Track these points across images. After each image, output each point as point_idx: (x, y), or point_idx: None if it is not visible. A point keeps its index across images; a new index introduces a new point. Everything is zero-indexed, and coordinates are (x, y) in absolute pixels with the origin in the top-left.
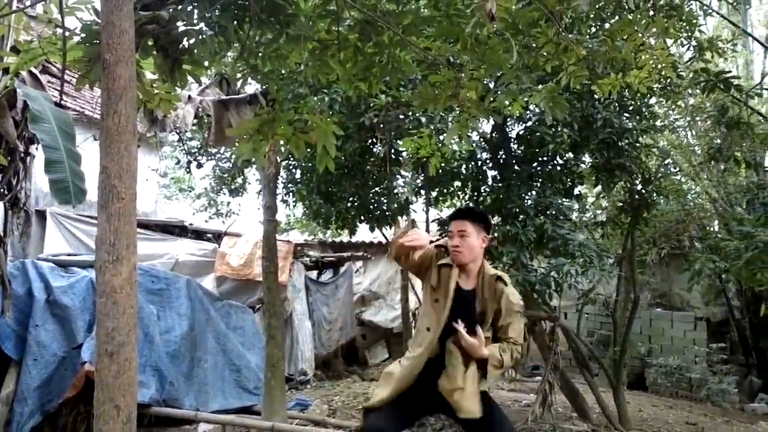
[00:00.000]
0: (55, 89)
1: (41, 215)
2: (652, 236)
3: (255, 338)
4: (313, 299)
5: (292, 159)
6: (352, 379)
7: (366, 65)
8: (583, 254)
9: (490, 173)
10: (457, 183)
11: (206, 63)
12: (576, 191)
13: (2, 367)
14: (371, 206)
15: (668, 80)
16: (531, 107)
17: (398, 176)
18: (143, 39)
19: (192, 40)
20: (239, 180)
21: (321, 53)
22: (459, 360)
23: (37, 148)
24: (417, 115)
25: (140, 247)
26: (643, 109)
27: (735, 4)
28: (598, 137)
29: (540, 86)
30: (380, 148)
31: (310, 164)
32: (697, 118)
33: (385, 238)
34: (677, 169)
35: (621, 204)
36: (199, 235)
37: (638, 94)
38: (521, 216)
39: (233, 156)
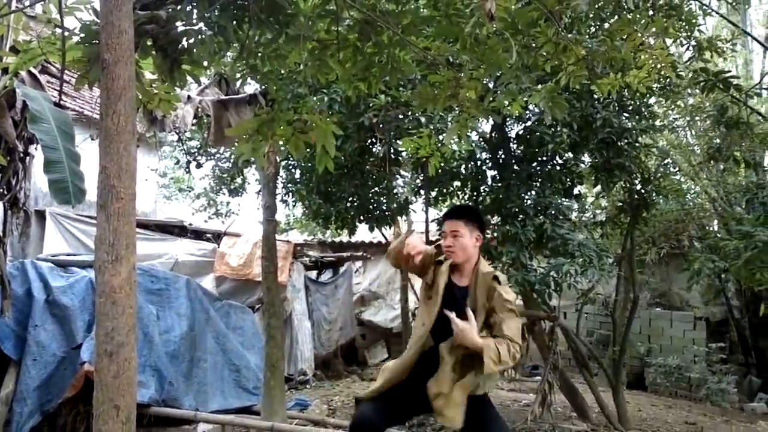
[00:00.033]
0: (55, 89)
1: (41, 215)
2: (651, 236)
3: (254, 338)
4: (312, 299)
5: (291, 159)
6: (351, 379)
7: (365, 65)
8: (582, 254)
9: (490, 173)
10: (457, 183)
11: (205, 63)
12: (575, 191)
13: (2, 367)
14: (371, 206)
15: (667, 80)
16: (530, 107)
17: (398, 176)
18: (142, 39)
19: (191, 40)
20: (239, 180)
21: (320, 53)
22: (449, 366)
23: (36, 148)
24: (416, 114)
25: (139, 247)
26: (643, 109)
27: (734, 3)
28: (598, 137)
29: (539, 86)
30: (380, 148)
31: (309, 164)
32: (697, 118)
33: (385, 238)
34: (677, 168)
35: (620, 204)
36: (198, 235)
37: (638, 94)
38: (521, 216)
39: (232, 156)
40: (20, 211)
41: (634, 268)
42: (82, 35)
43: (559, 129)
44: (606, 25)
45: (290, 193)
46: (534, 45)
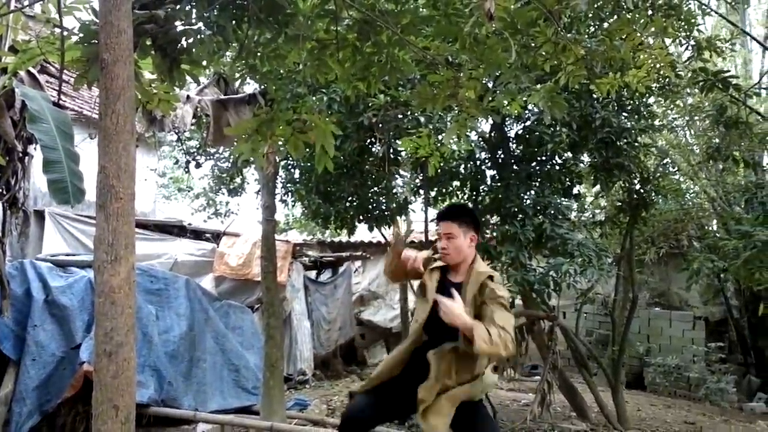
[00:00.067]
0: (54, 89)
1: (40, 215)
2: (650, 235)
3: (254, 338)
4: (311, 299)
5: (290, 159)
6: (351, 378)
7: (365, 65)
8: (581, 254)
9: (489, 173)
10: (456, 182)
11: (205, 63)
12: (575, 191)
13: (1, 367)
14: (370, 206)
15: (667, 80)
16: (529, 107)
17: (397, 176)
18: (141, 39)
19: (190, 40)
20: (238, 180)
21: (319, 53)
22: (436, 373)
23: (35, 148)
24: (416, 114)
25: (139, 247)
26: (642, 109)
27: (733, 3)
28: (597, 137)
29: (538, 86)
30: (379, 148)
31: (308, 164)
32: (696, 118)
33: (384, 237)
34: (676, 168)
35: (619, 203)
36: (197, 235)
37: (637, 94)
38: (520, 215)
39: (232, 156)
40: (19, 211)
41: (633, 267)
42: (81, 35)
43: (558, 129)
44: (605, 25)
45: (289, 193)
46: (533, 45)
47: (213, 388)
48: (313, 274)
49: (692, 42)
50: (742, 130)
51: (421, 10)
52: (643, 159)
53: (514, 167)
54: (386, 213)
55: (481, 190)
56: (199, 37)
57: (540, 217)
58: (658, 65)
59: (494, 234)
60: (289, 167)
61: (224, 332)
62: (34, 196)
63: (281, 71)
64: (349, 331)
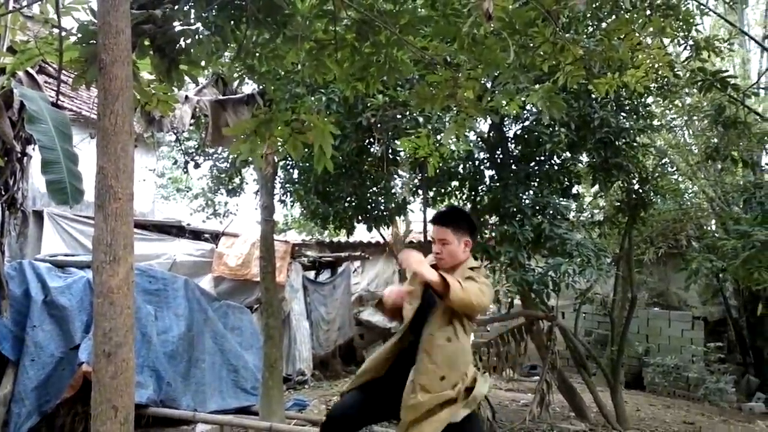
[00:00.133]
0: (52, 89)
1: (38, 216)
2: (649, 235)
3: (253, 338)
4: (310, 299)
5: (289, 159)
6: (349, 379)
7: (363, 65)
8: (580, 254)
9: (488, 173)
10: (455, 183)
11: (203, 63)
12: (573, 191)
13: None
14: (369, 206)
15: (665, 79)
16: (528, 107)
17: (396, 176)
18: (140, 39)
19: (189, 40)
20: (237, 180)
21: (318, 53)
22: (421, 370)
23: (34, 149)
24: (414, 114)
25: (137, 248)
26: (640, 109)
27: (731, 3)
28: (596, 137)
29: (537, 86)
30: (378, 148)
31: (307, 164)
32: (694, 118)
33: (383, 237)
34: (674, 168)
35: (618, 203)
36: (196, 235)
37: (635, 94)
38: (519, 215)
39: (230, 156)
40: (18, 212)
41: (632, 267)
42: (80, 35)
43: (556, 129)
44: (603, 25)
45: (288, 193)
46: (532, 45)
47: (212, 388)
48: (311, 274)
49: (690, 42)
50: (741, 130)
51: (419, 10)
52: (642, 159)
53: (513, 167)
54: (385, 213)
55: (479, 190)
56: (197, 37)
57: (539, 217)
58: (656, 65)
59: (493, 234)
60: (288, 167)
61: (223, 332)
62: (32, 196)
63: (280, 71)
64: (348, 332)
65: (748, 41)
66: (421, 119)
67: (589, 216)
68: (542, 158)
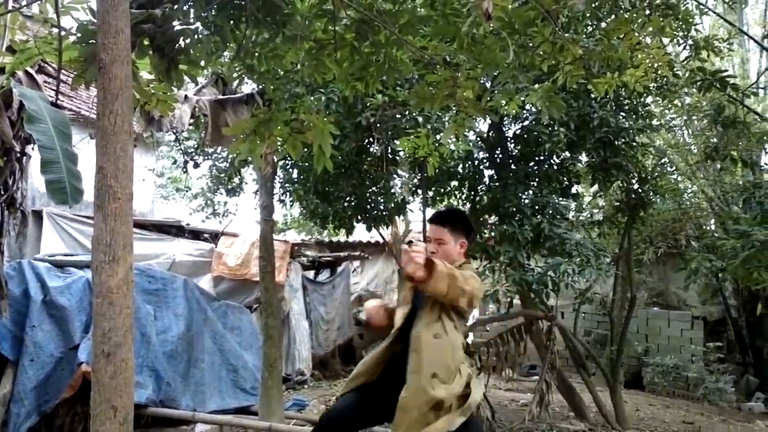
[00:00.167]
0: (52, 89)
1: (38, 215)
2: (648, 235)
3: (252, 338)
4: (310, 299)
5: (289, 159)
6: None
7: (363, 65)
8: (580, 253)
9: (487, 172)
10: (454, 182)
11: (203, 63)
12: (573, 190)
13: None
14: (368, 206)
15: (664, 79)
16: (527, 106)
17: (395, 176)
18: (139, 39)
19: (188, 40)
20: (236, 180)
21: (317, 53)
22: (414, 369)
23: (33, 148)
24: (414, 114)
25: (137, 248)
26: (640, 109)
27: (731, 3)
28: (595, 136)
29: (536, 85)
30: (377, 148)
31: (307, 164)
32: (694, 117)
33: (382, 237)
34: (674, 168)
35: (618, 203)
36: (196, 235)
37: (635, 93)
38: (518, 215)
39: (230, 156)
40: (17, 212)
41: (632, 267)
42: (79, 35)
43: (556, 128)
44: (603, 25)
45: (287, 193)
46: (531, 44)
47: (211, 388)
48: (311, 274)
49: (690, 41)
50: (740, 130)
51: (419, 9)
52: (641, 159)
53: (512, 167)
54: (384, 213)
55: (479, 190)
56: (196, 37)
57: (538, 216)
58: (655, 65)
59: (492, 234)
60: (287, 167)
61: (222, 332)
62: (32, 196)
63: (279, 71)
64: (348, 331)
65: (747, 41)
66: (420, 119)
67: (589, 216)
68: (541, 158)
